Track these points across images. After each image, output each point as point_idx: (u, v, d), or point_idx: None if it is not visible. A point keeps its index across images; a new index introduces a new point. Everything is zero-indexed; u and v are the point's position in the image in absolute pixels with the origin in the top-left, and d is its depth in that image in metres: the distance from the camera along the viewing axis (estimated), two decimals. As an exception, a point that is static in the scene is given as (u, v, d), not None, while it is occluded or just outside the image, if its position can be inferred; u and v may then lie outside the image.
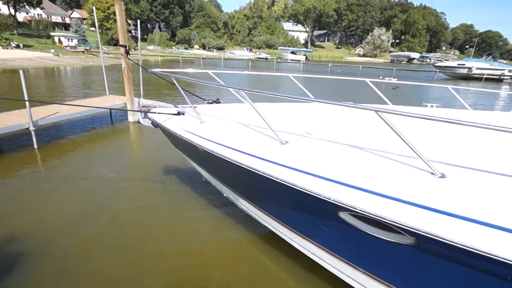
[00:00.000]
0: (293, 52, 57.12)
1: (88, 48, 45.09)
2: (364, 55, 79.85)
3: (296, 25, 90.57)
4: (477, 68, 31.84)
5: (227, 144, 2.64)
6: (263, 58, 55.59)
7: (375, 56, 78.11)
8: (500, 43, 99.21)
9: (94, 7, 10.07)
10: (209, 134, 2.86)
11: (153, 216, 4.01)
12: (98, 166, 5.54)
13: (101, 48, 9.98)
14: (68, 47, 43.96)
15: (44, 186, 4.79)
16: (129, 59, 8.33)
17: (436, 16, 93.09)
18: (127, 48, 8.23)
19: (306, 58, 53.26)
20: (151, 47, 58.98)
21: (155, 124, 3.75)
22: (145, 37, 66.81)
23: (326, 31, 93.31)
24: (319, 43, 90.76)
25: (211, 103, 4.05)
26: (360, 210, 1.82)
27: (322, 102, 2.36)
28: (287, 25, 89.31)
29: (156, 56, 42.96)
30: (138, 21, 9.38)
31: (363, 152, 2.27)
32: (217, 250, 3.40)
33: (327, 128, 2.86)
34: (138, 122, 3.92)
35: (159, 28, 72.89)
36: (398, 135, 1.88)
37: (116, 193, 4.60)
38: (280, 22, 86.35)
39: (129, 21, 66.15)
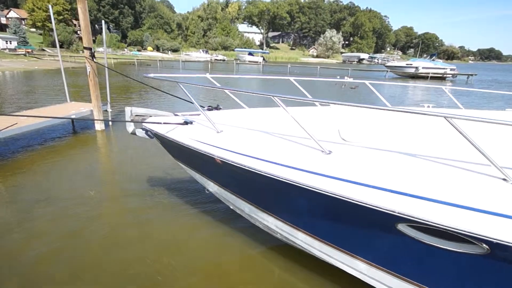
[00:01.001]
0: (250, 54, 57.40)
1: (30, 50, 41.09)
2: (317, 56, 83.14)
3: (251, 26, 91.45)
4: (423, 68, 34.26)
5: (259, 156, 2.40)
6: (220, 60, 55.13)
7: (328, 57, 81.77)
8: (437, 44, 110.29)
9: (50, 5, 9.01)
10: (232, 145, 2.62)
11: (150, 235, 3.66)
12: (72, 183, 4.96)
13: (59, 50, 8.98)
14: (7, 50, 39.57)
15: (10, 210, 4.10)
16: (95, 62, 7.68)
17: (381, 19, 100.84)
18: (92, 50, 7.58)
19: (264, 59, 53.89)
20: (100, 49, 55.06)
21: (151, 135, 3.49)
22: (93, 38, 62.15)
23: (280, 32, 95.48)
24: (274, 44, 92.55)
25: (211, 109, 3.84)
26: (425, 221, 1.70)
27: (367, 107, 2.27)
28: (242, 27, 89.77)
29: (108, 59, 40.23)
30: (103, 21, 8.68)
31: (414, 159, 2.14)
32: (233, 268, 3.15)
33: (365, 134, 2.67)
34: (133, 133, 3.57)
35: (109, 29, 68.52)
36: (470, 142, 1.79)
37: (103, 213, 4.12)
38: (235, 23, 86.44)
39: (74, 22, 61.26)
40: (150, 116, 3.58)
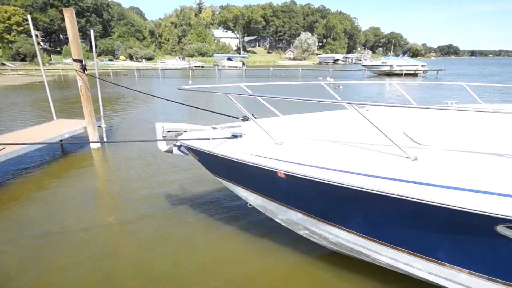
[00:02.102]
0: (229, 59, 56.85)
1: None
2: (294, 58, 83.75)
3: (226, 31, 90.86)
4: (397, 65, 35.44)
5: (338, 167, 2.23)
6: (199, 66, 53.98)
7: (304, 59, 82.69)
8: (402, 43, 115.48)
9: (29, 16, 7.60)
10: (301, 158, 2.44)
11: (191, 257, 3.38)
12: (80, 209, 4.43)
13: (41, 63, 7.66)
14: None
15: (15, 251, 3.47)
16: (86, 75, 6.91)
17: (351, 20, 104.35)
18: (83, 63, 6.84)
19: (243, 64, 53.47)
20: (68, 60, 51.90)
21: (186, 152, 3.40)
22: (59, 49, 58.80)
23: (256, 36, 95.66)
24: (250, 48, 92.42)
25: (247, 119, 3.53)
26: None
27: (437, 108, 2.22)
28: (218, 32, 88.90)
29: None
30: (92, 30, 7.85)
31: (495, 157, 2.05)
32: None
33: (440, 136, 2.54)
34: (169, 151, 3.37)
35: (76, 38, 64.94)
36: None
37: (131, 238, 3.73)
38: (210, 29, 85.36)
39: (37, 32, 57.51)
40: (185, 131, 3.36)
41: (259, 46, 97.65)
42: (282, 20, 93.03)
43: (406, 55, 43.72)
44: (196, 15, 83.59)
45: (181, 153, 3.38)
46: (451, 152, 2.18)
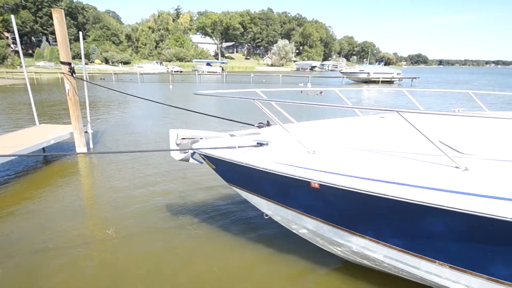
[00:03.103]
0: (208, 64, 56.83)
1: None
2: (272, 65, 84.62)
3: (204, 37, 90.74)
4: (374, 73, 36.63)
5: (386, 179, 2.09)
6: (178, 71, 53.66)
7: (282, 65, 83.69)
8: (375, 51, 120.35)
9: (12, 16, 7.70)
10: (341, 168, 2.29)
11: (206, 268, 3.19)
12: (77, 223, 4.07)
13: (24, 65, 7.73)
14: None
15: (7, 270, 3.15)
16: (74, 78, 6.78)
17: (326, 29, 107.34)
18: (72, 66, 6.70)
19: (222, 69, 53.62)
20: (41, 63, 49.99)
21: (201, 160, 3.22)
22: (31, 51, 56.46)
23: (234, 43, 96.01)
24: (228, 54, 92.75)
25: (262, 126, 3.55)
26: None
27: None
28: (196, 38, 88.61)
29: (54, 73, 36.66)
30: (81, 32, 7.70)
31: None
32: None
33: (476, 144, 2.44)
34: (185, 160, 3.17)
35: (48, 41, 62.69)
36: None
37: (137, 252, 3.46)
38: (188, 34, 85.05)
39: (7, 34, 54.97)
40: (201, 138, 3.17)
41: (237, 52, 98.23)
42: (260, 27, 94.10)
43: (382, 63, 45.45)
44: (174, 20, 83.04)
45: (197, 162, 3.22)
46: (500, 162, 2.09)
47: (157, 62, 61.35)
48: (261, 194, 3.06)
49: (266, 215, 3.21)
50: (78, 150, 7.13)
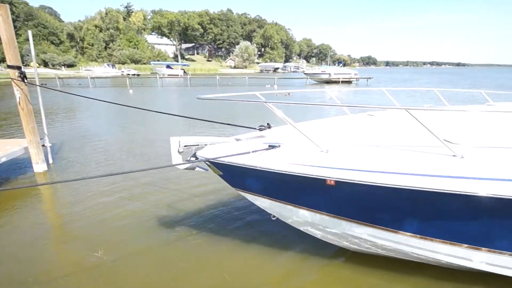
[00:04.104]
0: (168, 67, 52.55)
1: None
2: (235, 67, 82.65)
3: (161, 38, 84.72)
4: (334, 74, 37.71)
5: (398, 170, 2.27)
6: (134, 74, 48.32)
7: (246, 67, 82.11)
8: (331, 53, 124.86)
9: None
10: (357, 164, 2.39)
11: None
12: (59, 248, 3.66)
13: None
14: None
15: None
16: (26, 84, 5.62)
17: (286, 31, 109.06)
18: (23, 70, 5.58)
19: (185, 72, 49.89)
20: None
21: (207, 168, 3.12)
22: None
23: (194, 44, 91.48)
24: (189, 56, 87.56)
25: (264, 129, 3.48)
26: None
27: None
28: (152, 38, 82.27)
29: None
30: (30, 31, 6.61)
31: None
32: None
33: (463, 135, 2.76)
34: (190, 169, 2.91)
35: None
36: None
37: (137, 274, 3.08)
38: (142, 34, 78.44)
39: None
40: (205, 144, 3.05)
41: (197, 54, 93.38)
42: (220, 28, 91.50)
43: (341, 64, 47.34)
44: (125, 19, 76.00)
45: (202, 170, 3.09)
46: (485, 149, 2.41)
47: (108, 65, 55.25)
48: (273, 196, 3.04)
49: (274, 216, 3.20)
50: (35, 167, 6.18)
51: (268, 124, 3.54)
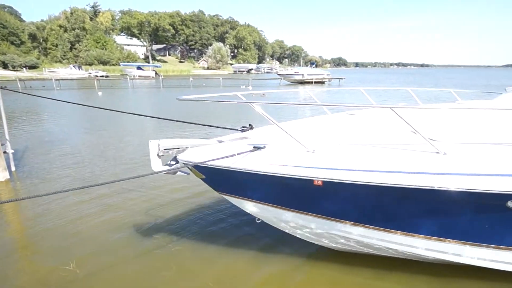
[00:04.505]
0: (139, 68, 51.04)
1: None
2: (208, 68, 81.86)
3: (131, 38, 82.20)
4: (308, 74, 38.50)
5: (385, 169, 2.30)
6: (103, 76, 46.46)
7: (219, 68, 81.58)
8: (304, 55, 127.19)
9: None
10: (344, 163, 2.40)
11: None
12: (26, 262, 3.40)
13: None
14: None
15: None
16: None
17: (258, 33, 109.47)
18: None
19: (156, 73, 48.75)
20: None
21: (188, 171, 3.02)
22: None
23: (165, 45, 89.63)
24: (160, 57, 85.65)
25: (246, 130, 3.46)
26: None
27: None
28: (121, 39, 79.56)
29: None
30: None
31: (506, 147, 2.42)
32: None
33: (441, 131, 2.81)
34: (171, 173, 2.84)
35: None
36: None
37: (121, 285, 2.91)
38: (110, 35, 75.51)
39: None
40: (186, 147, 2.92)
41: (169, 55, 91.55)
42: (192, 29, 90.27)
43: (314, 65, 48.56)
44: (92, 19, 72.88)
45: (184, 173, 3.02)
46: (466, 145, 2.48)
47: (74, 66, 52.83)
48: (258, 199, 2.98)
49: (258, 219, 3.15)
50: (-1, 174, 5.61)
51: (250, 125, 3.46)
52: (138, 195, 4.97)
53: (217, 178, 2.99)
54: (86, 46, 66.87)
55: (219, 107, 14.39)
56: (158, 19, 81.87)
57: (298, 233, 3.07)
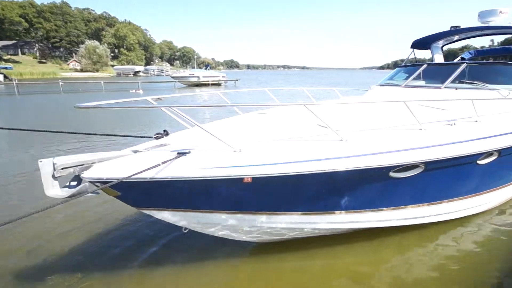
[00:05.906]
0: (-28, 70, 37.89)
1: None
2: (82, 70, 69.71)
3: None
4: (203, 76, 38.04)
5: (304, 159, 2.58)
6: None
7: (97, 70, 70.57)
8: (196, 56, 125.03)
9: None
10: (270, 158, 2.55)
11: None
12: None
13: None
14: None
15: None
16: None
17: (142, 32, 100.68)
18: None
19: (6, 77, 38.96)
20: None
21: (98, 191, 2.47)
22: None
23: (16, 41, 70.78)
24: (9, 56, 66.43)
25: (161, 136, 3.23)
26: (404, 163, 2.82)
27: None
28: None
29: None
30: None
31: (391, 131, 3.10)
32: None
33: (338, 123, 3.11)
34: (76, 194, 2.28)
35: None
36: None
37: None
38: None
39: None
40: (93, 162, 2.49)
41: (23, 54, 72.58)
42: (55, 23, 75.17)
43: (208, 67, 47.96)
44: None
45: (92, 194, 2.44)
46: (361, 132, 3.00)
47: None
48: (186, 207, 2.84)
49: (185, 229, 3.03)
50: None
51: (165, 130, 3.31)
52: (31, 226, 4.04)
53: (137, 193, 2.69)
54: None
55: (116, 114, 12.86)
56: (2, 9, 64.23)
57: (231, 235, 3.13)
